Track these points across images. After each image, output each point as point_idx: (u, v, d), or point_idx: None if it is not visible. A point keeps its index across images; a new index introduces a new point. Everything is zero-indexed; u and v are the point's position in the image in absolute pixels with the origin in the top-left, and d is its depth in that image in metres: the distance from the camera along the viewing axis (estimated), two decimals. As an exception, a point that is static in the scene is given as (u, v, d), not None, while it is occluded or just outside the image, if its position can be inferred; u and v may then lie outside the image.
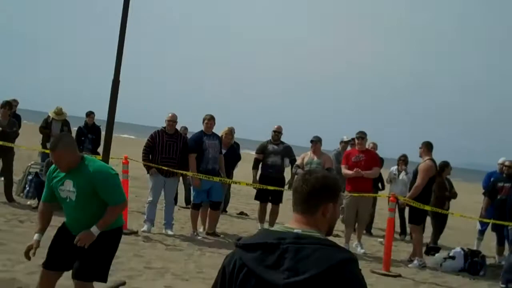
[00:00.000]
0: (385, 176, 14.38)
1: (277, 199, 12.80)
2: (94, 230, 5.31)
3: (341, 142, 14.94)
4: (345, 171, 11.95)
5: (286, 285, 2.59)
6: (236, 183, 13.46)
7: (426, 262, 11.43)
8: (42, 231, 5.49)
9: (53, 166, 5.49)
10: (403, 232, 14.72)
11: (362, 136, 12.10)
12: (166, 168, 11.40)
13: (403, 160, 14.82)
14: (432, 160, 11.60)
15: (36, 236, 5.38)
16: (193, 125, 14.14)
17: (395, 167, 14.93)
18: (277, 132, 12.98)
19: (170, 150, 11.55)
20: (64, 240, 5.54)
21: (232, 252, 2.82)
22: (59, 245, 5.56)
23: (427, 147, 11.66)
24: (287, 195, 13.74)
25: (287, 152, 12.91)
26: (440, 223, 12.82)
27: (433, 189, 11.86)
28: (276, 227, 2.81)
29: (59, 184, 5.41)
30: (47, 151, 13.72)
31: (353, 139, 12.91)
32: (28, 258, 5.52)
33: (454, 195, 12.92)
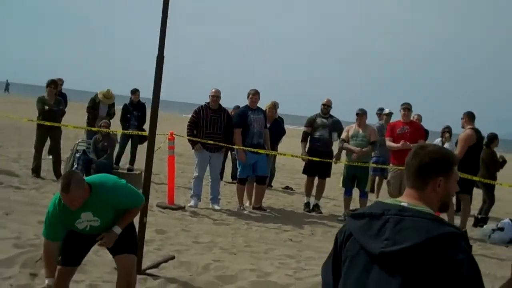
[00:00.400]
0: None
1: (324, 172, 12.73)
2: (117, 230, 5.28)
3: (383, 114, 14.80)
4: (390, 143, 11.83)
5: (382, 254, 2.65)
6: (282, 154, 13.44)
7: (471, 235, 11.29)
8: (53, 274, 5.22)
9: (53, 207, 5.18)
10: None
11: (407, 107, 11.93)
12: (211, 143, 11.43)
13: (448, 131, 14.65)
14: (474, 129, 11.38)
15: (48, 281, 5.14)
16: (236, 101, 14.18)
17: (439, 139, 14.78)
18: (326, 106, 12.83)
19: (214, 125, 11.57)
20: (76, 236, 5.39)
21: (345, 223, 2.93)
22: (73, 241, 5.40)
23: (469, 116, 11.50)
24: (334, 168, 13.83)
25: (336, 126, 12.75)
26: (492, 194, 12.76)
27: (483, 161, 11.80)
28: (387, 200, 2.89)
29: (75, 220, 5.19)
30: (94, 129, 13.94)
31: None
32: None
33: (503, 163, 12.97)
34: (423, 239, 2.58)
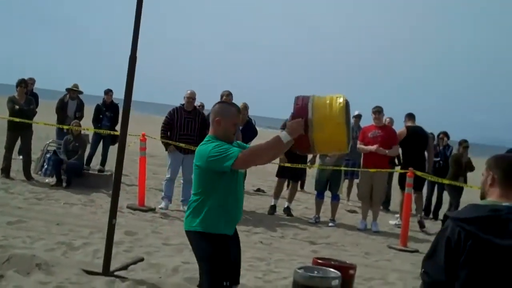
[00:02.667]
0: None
1: (297, 176, 12.76)
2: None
3: (352, 116, 14.79)
4: (362, 147, 11.89)
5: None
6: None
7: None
8: None
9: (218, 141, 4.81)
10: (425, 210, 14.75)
11: (378, 110, 11.97)
12: (183, 146, 11.40)
13: (444, 135, 14.95)
14: (409, 127, 12.53)
15: None
16: (210, 102, 14.12)
17: None
18: None
19: (189, 127, 11.55)
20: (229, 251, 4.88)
21: (448, 225, 3.13)
22: (229, 258, 4.84)
23: (409, 116, 12.81)
24: (310, 173, 13.84)
25: None
26: (456, 197, 13.29)
27: (450, 164, 12.33)
28: (482, 202, 3.23)
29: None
30: (65, 127, 13.82)
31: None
32: None
33: (470, 168, 13.55)
34: None
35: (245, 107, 13.05)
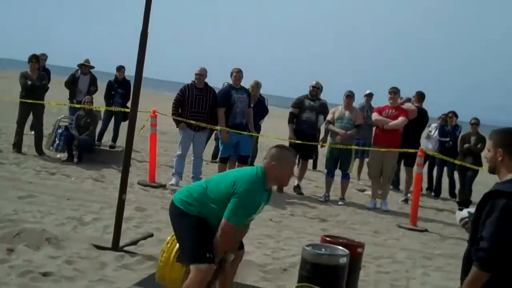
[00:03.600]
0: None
1: (307, 154, 12.75)
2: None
3: (364, 95, 14.64)
4: (379, 118, 11.79)
5: None
6: (266, 136, 13.39)
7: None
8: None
9: (256, 190, 4.82)
10: (430, 187, 14.69)
11: (394, 91, 11.90)
12: (194, 123, 11.39)
13: (444, 118, 14.78)
14: (419, 108, 12.81)
15: None
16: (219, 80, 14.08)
17: (435, 124, 14.83)
18: (315, 88, 12.71)
19: (200, 104, 11.50)
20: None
21: (504, 202, 3.38)
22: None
23: (419, 96, 13.19)
24: (321, 152, 13.73)
25: (323, 109, 12.64)
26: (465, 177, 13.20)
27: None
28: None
29: (257, 208, 4.93)
30: (76, 106, 13.86)
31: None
32: None
33: (477, 150, 13.25)
34: None
35: (257, 84, 13.00)
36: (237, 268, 5.34)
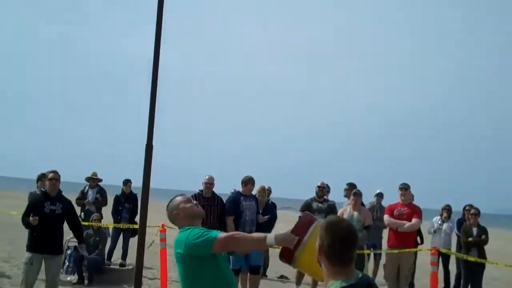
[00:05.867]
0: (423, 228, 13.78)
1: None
2: None
3: (375, 195, 14.43)
4: (392, 220, 11.56)
5: None
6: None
7: None
8: None
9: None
10: (447, 286, 14.19)
11: (405, 187, 11.75)
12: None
13: (448, 210, 14.44)
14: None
15: None
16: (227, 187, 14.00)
17: (438, 217, 14.54)
18: (322, 188, 12.58)
19: (207, 215, 11.26)
20: None
21: None
22: None
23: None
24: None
25: (332, 211, 12.37)
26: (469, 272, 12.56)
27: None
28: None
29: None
30: (86, 223, 13.70)
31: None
32: None
33: (482, 242, 12.55)
34: None
35: (263, 189, 12.83)
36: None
